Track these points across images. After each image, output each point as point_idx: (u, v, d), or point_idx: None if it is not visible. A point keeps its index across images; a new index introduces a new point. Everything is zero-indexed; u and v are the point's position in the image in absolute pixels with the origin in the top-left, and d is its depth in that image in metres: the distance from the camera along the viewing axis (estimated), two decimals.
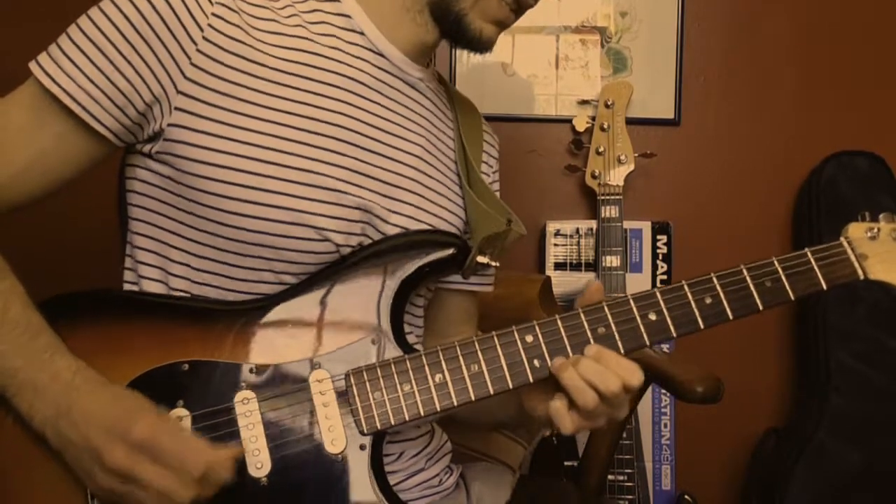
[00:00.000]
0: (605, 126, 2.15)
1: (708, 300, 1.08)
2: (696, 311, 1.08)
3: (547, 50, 2.28)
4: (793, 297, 1.10)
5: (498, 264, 1.18)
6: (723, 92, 2.30)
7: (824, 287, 1.10)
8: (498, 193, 1.38)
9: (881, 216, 1.13)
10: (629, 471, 2.05)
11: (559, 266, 2.24)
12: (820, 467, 2.03)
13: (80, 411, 0.96)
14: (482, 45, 1.17)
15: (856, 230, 1.13)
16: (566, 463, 2.03)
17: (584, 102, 2.26)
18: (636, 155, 2.12)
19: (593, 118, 2.18)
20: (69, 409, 0.96)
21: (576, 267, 2.23)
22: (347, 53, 1.14)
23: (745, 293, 1.09)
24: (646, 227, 2.26)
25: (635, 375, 1.03)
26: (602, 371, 1.02)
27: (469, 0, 1.13)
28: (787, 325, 2.29)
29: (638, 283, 2.21)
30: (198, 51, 1.04)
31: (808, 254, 1.11)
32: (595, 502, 1.71)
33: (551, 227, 2.25)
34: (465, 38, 1.16)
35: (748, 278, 1.09)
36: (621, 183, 2.12)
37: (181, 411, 1.02)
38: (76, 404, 0.96)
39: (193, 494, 0.95)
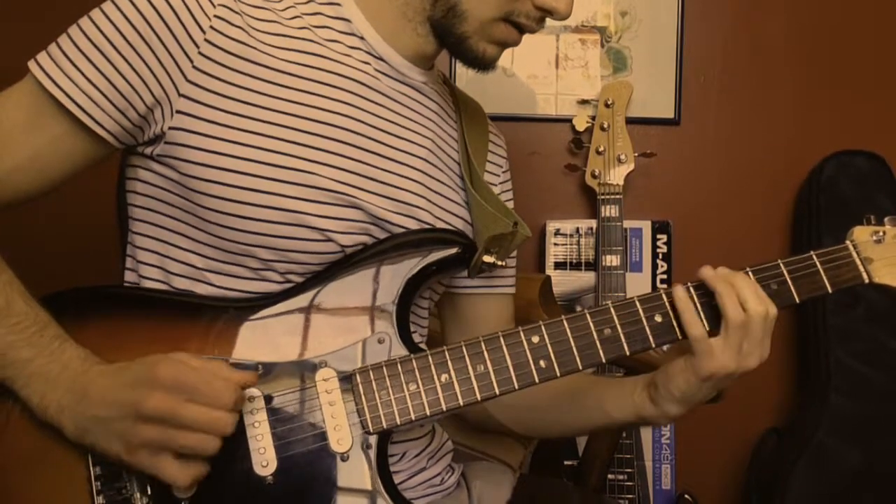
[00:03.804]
0: (605, 126, 2.14)
1: (714, 303, 1.08)
2: (701, 314, 1.08)
3: (547, 49, 2.27)
4: (798, 301, 1.10)
5: (503, 264, 1.18)
6: (723, 92, 2.29)
7: (829, 290, 1.11)
8: (511, 193, 1.39)
9: (886, 219, 1.13)
10: (629, 470, 2.06)
11: (559, 265, 2.24)
12: (820, 467, 2.03)
13: (98, 388, 0.97)
14: (484, 65, 1.17)
15: (861, 233, 1.13)
16: (566, 463, 2.04)
17: (584, 102, 2.26)
18: (636, 154, 2.12)
19: (593, 118, 2.18)
20: (85, 391, 0.97)
21: (576, 266, 2.23)
22: (349, 57, 1.14)
23: None
24: (646, 226, 2.26)
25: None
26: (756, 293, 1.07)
27: (474, 24, 1.12)
28: (787, 324, 2.28)
29: (638, 282, 2.21)
30: (200, 53, 1.04)
31: (814, 257, 1.11)
32: (595, 502, 1.71)
33: (551, 226, 2.24)
34: (467, 58, 1.16)
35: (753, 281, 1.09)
36: (621, 182, 2.12)
37: None
38: (91, 385, 0.98)
39: (234, 419, 0.97)
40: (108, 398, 0.96)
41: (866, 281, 1.12)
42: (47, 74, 1.03)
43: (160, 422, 0.94)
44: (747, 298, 1.05)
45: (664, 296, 1.08)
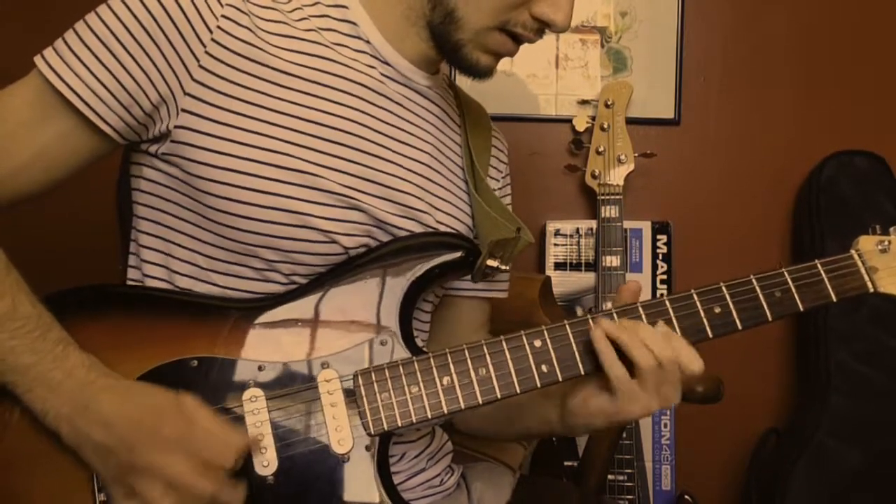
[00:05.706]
0: (605, 126, 2.14)
1: (717, 309, 1.08)
2: (704, 320, 1.08)
3: (547, 50, 2.27)
4: (802, 309, 1.10)
5: (507, 268, 1.18)
6: (723, 92, 2.29)
7: (834, 299, 1.11)
8: (510, 198, 1.39)
9: (892, 229, 1.14)
10: (629, 471, 2.06)
11: (559, 266, 2.24)
12: (820, 467, 2.03)
13: (100, 410, 0.97)
14: (479, 74, 1.17)
15: (866, 243, 1.13)
16: (566, 463, 2.03)
17: (584, 102, 2.26)
18: (636, 155, 2.12)
19: (593, 118, 2.18)
20: (86, 406, 0.97)
21: (576, 267, 2.23)
22: (355, 60, 1.14)
23: (755, 304, 1.09)
24: (646, 226, 2.26)
25: (695, 362, 1.05)
26: (662, 339, 1.04)
27: (469, 32, 1.12)
28: (787, 325, 2.29)
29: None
30: (206, 52, 1.04)
31: (818, 265, 1.11)
32: (595, 502, 1.72)
33: (551, 226, 2.25)
34: (462, 66, 1.16)
35: (757, 288, 1.09)
36: (621, 183, 2.12)
37: None
38: (94, 402, 0.97)
39: (219, 487, 0.96)
40: (110, 428, 0.96)
41: (871, 290, 1.12)
42: (53, 70, 1.02)
43: (150, 473, 0.95)
44: (653, 343, 1.04)
45: (668, 302, 1.08)
